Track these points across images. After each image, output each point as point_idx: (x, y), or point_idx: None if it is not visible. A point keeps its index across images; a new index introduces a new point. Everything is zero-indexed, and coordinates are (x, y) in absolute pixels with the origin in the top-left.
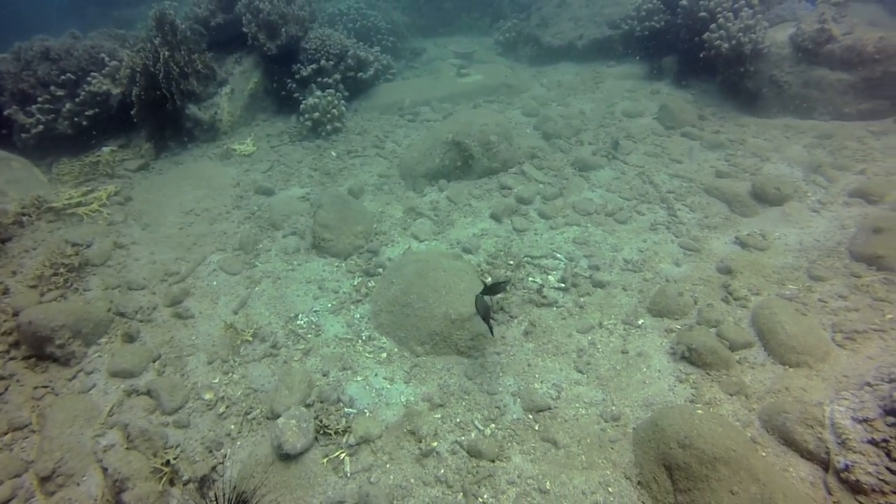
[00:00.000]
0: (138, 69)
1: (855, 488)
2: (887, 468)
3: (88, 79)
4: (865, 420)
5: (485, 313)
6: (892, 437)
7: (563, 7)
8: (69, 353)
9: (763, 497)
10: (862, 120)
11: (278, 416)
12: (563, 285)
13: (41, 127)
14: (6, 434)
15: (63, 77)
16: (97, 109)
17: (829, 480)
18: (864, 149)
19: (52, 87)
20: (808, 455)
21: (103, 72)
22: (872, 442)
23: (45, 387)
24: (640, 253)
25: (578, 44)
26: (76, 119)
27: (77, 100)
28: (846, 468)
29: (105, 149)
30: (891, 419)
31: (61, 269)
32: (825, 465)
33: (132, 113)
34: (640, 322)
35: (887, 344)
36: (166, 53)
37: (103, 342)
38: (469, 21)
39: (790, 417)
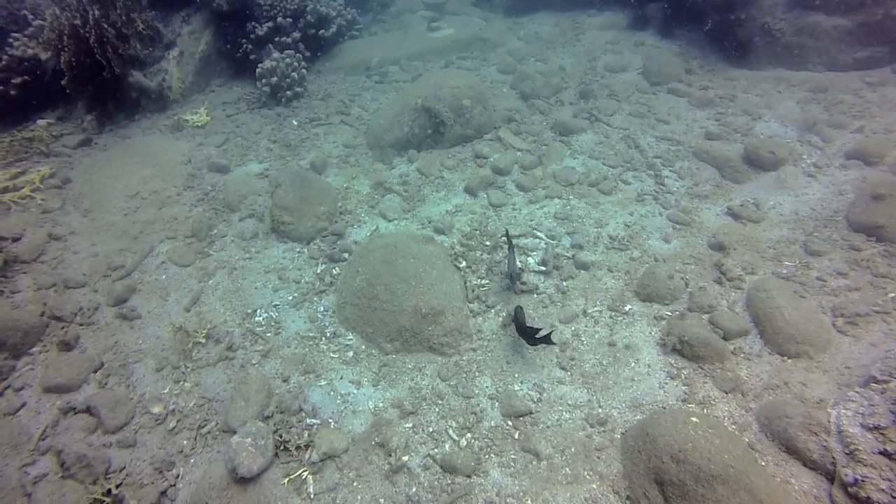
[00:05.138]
0: (65, 32)
1: None
2: None
3: (10, 40)
4: (877, 428)
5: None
6: None
7: None
8: None
9: None
10: (857, 70)
11: (234, 432)
12: (543, 268)
13: None
14: None
15: None
16: (26, 77)
17: (834, 494)
18: (861, 103)
19: None
20: (811, 464)
21: (27, 32)
22: (885, 454)
23: None
24: (627, 228)
25: None
26: (1, 87)
27: None
28: (855, 482)
29: (40, 122)
30: None
31: None
32: (830, 476)
33: (63, 83)
34: (627, 308)
35: (891, 328)
36: (97, 13)
37: (36, 352)
38: None
39: (792, 423)
